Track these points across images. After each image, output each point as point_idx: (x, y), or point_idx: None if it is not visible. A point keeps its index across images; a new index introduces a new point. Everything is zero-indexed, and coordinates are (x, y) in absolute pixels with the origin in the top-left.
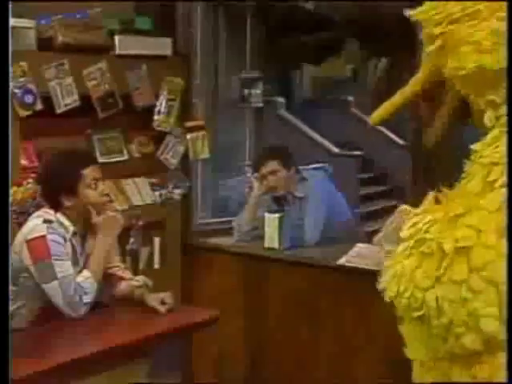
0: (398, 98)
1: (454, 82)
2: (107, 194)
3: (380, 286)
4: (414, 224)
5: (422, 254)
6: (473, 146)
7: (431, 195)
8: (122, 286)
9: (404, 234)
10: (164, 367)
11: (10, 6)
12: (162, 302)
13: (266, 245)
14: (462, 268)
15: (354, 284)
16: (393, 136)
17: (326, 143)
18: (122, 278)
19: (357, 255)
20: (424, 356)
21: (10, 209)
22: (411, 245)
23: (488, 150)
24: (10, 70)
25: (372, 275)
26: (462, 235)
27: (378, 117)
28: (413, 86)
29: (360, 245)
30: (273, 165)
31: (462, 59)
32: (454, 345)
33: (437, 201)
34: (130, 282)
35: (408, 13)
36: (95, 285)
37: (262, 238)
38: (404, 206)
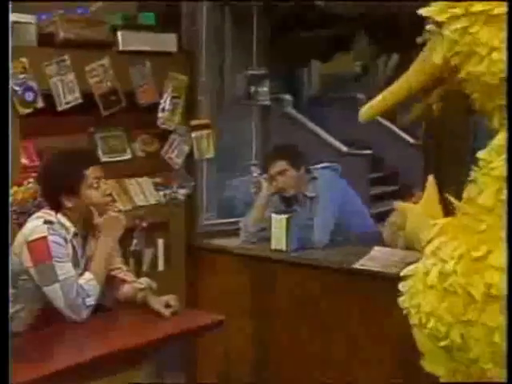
0: (389, 97)
1: (464, 84)
2: (110, 194)
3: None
4: (436, 247)
5: (446, 291)
6: (479, 155)
7: (431, 180)
8: (125, 289)
9: (426, 250)
10: (167, 368)
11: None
12: (167, 305)
13: (273, 246)
14: (494, 314)
15: (363, 286)
16: (403, 134)
17: (335, 142)
18: (124, 281)
19: (371, 259)
20: (443, 372)
21: (10, 209)
22: (433, 275)
23: (497, 161)
24: (10, 65)
25: (382, 278)
26: (491, 281)
27: (367, 114)
28: (414, 83)
29: (377, 248)
30: (281, 165)
31: (492, 66)
32: (480, 375)
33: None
34: (133, 284)
35: (421, 11)
36: (97, 287)
37: (269, 239)
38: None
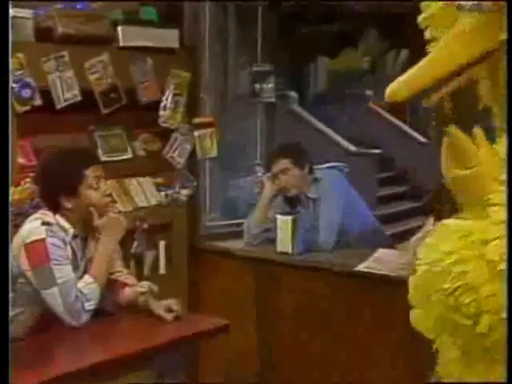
0: (428, 78)
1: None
2: (110, 195)
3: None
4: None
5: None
6: None
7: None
8: (126, 293)
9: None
10: (168, 369)
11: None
12: (169, 310)
13: (279, 249)
14: None
15: (371, 291)
16: (413, 133)
17: (342, 141)
18: (125, 284)
19: (376, 260)
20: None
21: (10, 209)
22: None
23: (504, 173)
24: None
25: (390, 282)
26: None
27: (396, 94)
28: (452, 61)
29: (381, 250)
30: (284, 163)
31: None
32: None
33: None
34: (134, 288)
35: None
36: (98, 291)
37: (273, 241)
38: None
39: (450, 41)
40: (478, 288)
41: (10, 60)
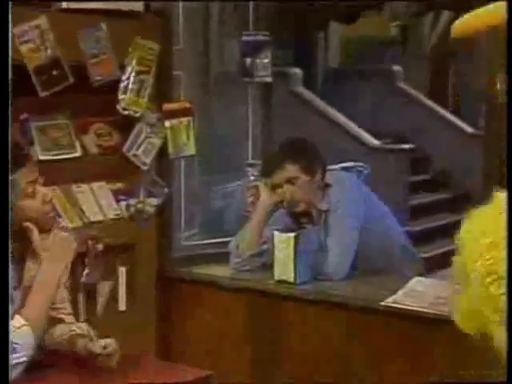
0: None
1: None
2: (51, 201)
3: None
4: None
5: None
6: None
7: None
8: (58, 331)
9: None
10: None
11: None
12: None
13: (277, 276)
14: None
15: (401, 332)
16: (458, 122)
17: (362, 132)
18: (60, 320)
19: (408, 292)
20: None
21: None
22: None
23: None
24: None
25: (426, 320)
26: None
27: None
28: None
29: (415, 279)
30: (291, 171)
31: None
32: None
33: None
34: (69, 326)
35: None
36: (32, 337)
37: (270, 266)
38: None
39: None
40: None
41: (10, 60)
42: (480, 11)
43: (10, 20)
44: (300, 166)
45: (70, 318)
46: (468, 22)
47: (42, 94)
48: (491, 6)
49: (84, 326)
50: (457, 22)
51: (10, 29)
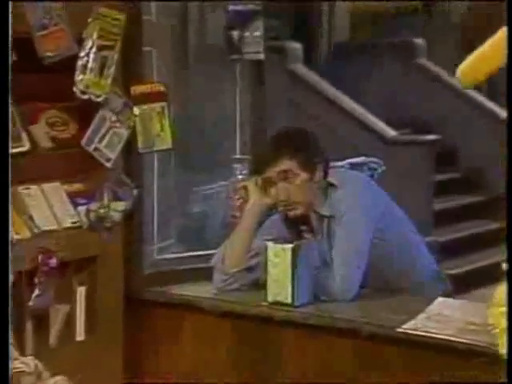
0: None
1: None
2: None
3: None
4: None
5: None
6: None
7: None
8: None
9: None
10: None
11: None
12: None
13: (271, 297)
14: None
15: (423, 363)
16: (493, 107)
17: (375, 121)
18: None
19: (431, 317)
20: None
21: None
22: None
23: None
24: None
25: (453, 350)
26: None
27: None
28: None
29: (439, 300)
30: (288, 165)
31: None
32: None
33: None
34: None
35: None
36: None
37: (262, 285)
38: None
39: None
40: None
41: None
42: (486, 50)
43: (9, 20)
44: (298, 161)
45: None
46: (475, 67)
47: None
48: (497, 40)
49: (31, 361)
50: (463, 68)
51: (9, 29)
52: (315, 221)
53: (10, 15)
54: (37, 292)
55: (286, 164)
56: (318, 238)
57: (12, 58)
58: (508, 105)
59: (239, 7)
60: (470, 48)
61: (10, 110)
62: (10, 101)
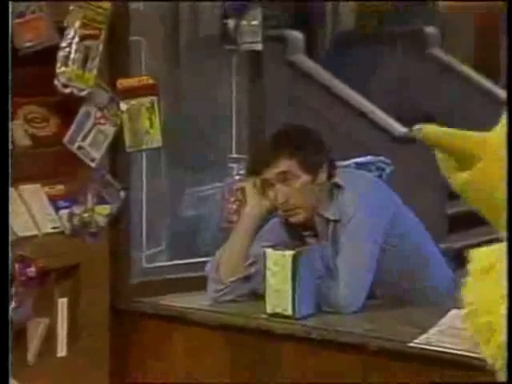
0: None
1: None
2: None
3: None
4: None
5: None
6: None
7: None
8: None
9: None
10: None
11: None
12: None
13: (271, 309)
14: None
15: (435, 378)
16: None
17: (383, 116)
18: None
19: (444, 330)
20: None
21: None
22: None
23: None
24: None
25: (467, 365)
26: None
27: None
28: None
29: (453, 312)
30: (287, 165)
31: None
32: None
33: None
34: None
35: None
36: None
37: (261, 296)
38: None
39: None
40: None
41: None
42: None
43: (9, 20)
44: (298, 161)
45: None
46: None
47: None
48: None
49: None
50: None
51: (9, 29)
52: (319, 225)
53: (10, 15)
54: (13, 304)
55: (285, 164)
56: (321, 244)
57: None
58: (508, 105)
59: None
60: (488, 36)
61: None
62: (10, 101)
